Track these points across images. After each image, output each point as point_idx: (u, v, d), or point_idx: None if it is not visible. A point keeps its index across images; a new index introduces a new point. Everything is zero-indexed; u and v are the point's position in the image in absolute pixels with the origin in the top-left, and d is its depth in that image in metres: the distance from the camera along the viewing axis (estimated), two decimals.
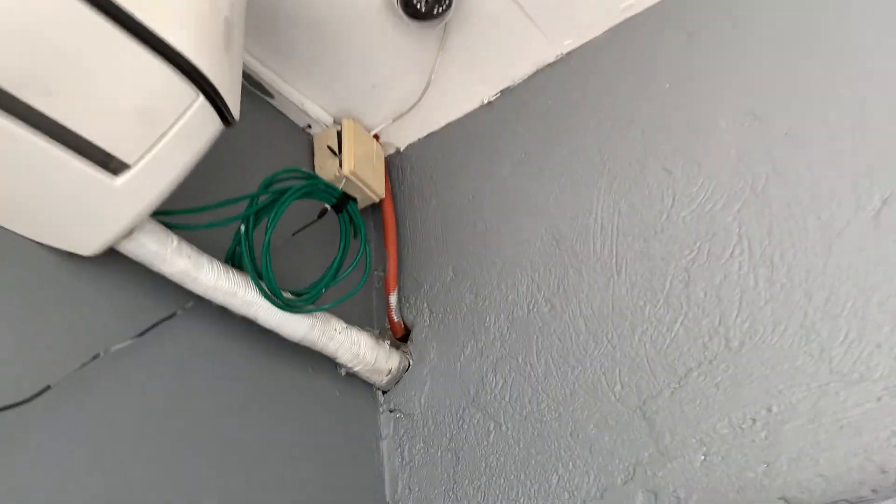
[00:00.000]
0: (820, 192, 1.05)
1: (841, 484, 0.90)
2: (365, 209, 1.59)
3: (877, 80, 1.06)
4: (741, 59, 1.21)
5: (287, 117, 1.55)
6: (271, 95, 1.49)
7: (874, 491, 0.88)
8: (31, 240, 0.91)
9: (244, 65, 1.39)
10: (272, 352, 1.21)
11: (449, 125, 1.64)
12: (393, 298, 1.49)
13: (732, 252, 1.10)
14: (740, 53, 1.21)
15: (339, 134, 1.53)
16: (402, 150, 1.70)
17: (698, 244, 1.14)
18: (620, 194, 1.26)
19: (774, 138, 1.12)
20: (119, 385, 0.93)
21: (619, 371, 1.13)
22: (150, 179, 0.87)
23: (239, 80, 0.98)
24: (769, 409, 1.00)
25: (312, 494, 1.18)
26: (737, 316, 1.06)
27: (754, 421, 1.00)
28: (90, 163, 0.83)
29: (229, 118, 0.90)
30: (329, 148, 1.52)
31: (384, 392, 1.43)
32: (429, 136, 1.67)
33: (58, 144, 0.79)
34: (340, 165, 1.49)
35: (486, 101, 1.59)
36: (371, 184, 1.53)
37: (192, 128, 0.86)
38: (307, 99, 1.54)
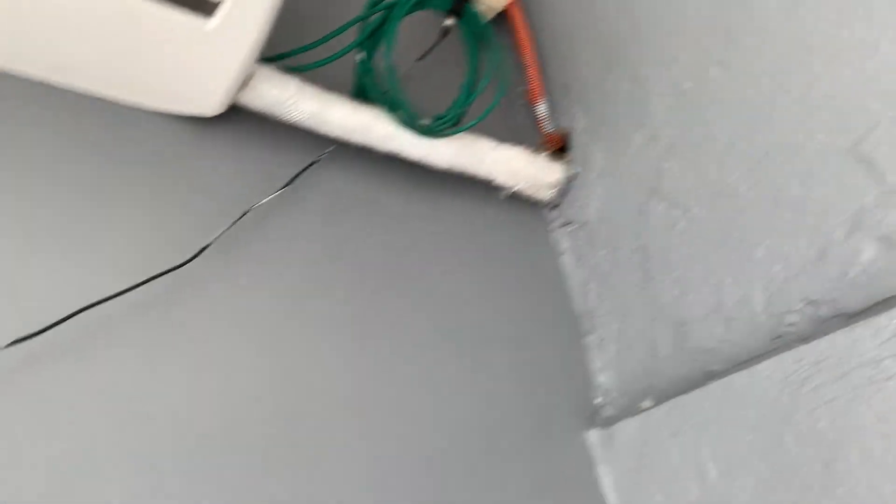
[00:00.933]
0: None
1: None
2: (493, 21, 1.45)
3: None
4: None
5: None
6: None
7: None
8: (156, 112, 0.89)
9: None
10: (424, 186, 1.15)
11: None
12: (542, 108, 1.36)
13: None
14: None
15: None
16: None
17: None
18: None
19: None
20: (272, 239, 0.91)
21: (819, 116, 0.94)
22: (243, 13, 0.80)
23: None
24: None
25: (497, 330, 1.13)
26: None
27: None
28: (178, 7, 0.76)
29: None
30: None
31: (552, 208, 1.34)
32: None
33: None
34: None
35: None
36: None
37: None
38: None
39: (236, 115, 0.92)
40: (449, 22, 1.16)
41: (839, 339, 0.79)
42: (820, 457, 0.80)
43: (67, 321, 0.73)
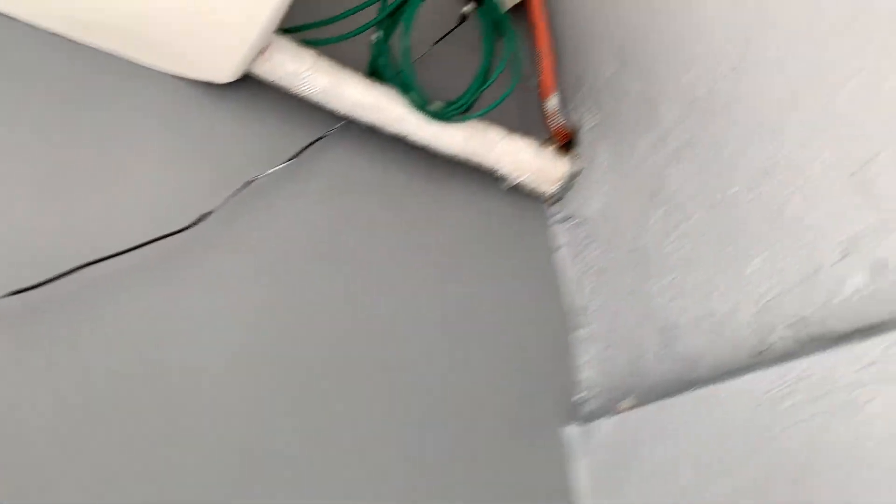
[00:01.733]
0: None
1: None
2: (511, 11, 1.45)
3: None
4: None
5: None
6: None
7: None
8: (170, 75, 0.89)
9: None
10: (428, 170, 1.15)
11: None
12: (552, 102, 1.36)
13: None
14: None
15: None
16: None
17: None
18: None
19: None
20: (275, 209, 0.92)
21: (827, 137, 0.95)
22: None
23: None
24: None
25: (487, 317, 1.14)
26: None
27: None
28: None
29: None
30: None
31: (553, 203, 1.35)
32: None
33: None
34: None
35: None
36: None
37: None
38: None
39: (249, 84, 0.93)
40: (468, 8, 1.17)
41: (821, 361, 0.81)
42: (790, 474, 0.82)
43: (69, 275, 0.74)
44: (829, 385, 0.79)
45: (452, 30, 1.19)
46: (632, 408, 1.09)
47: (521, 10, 1.46)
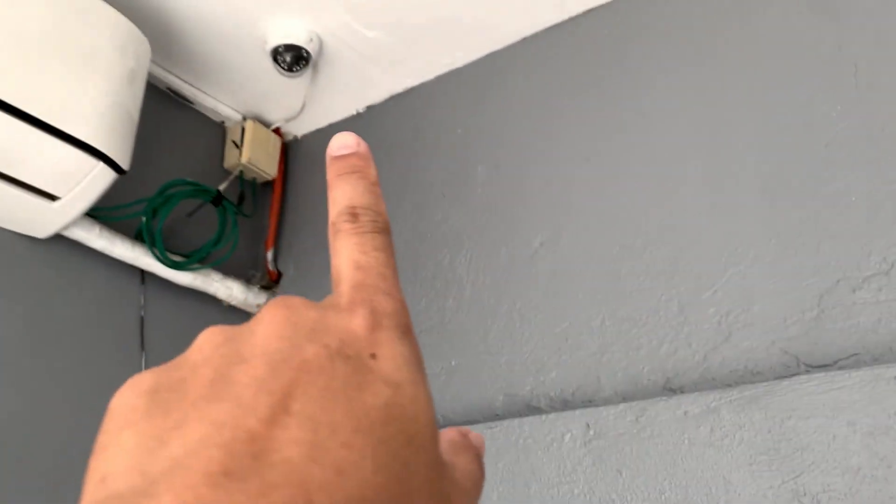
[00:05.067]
0: None
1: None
2: (264, 183, 2.22)
3: None
4: None
5: (206, 116, 2.15)
6: (191, 102, 2.08)
7: None
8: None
9: (169, 82, 1.98)
10: (179, 294, 1.88)
11: (331, 125, 2.23)
12: (269, 254, 2.14)
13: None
14: None
15: (243, 130, 2.14)
16: (299, 137, 2.30)
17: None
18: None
19: None
20: None
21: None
22: (73, 204, 1.51)
23: (136, 115, 1.57)
24: (450, 363, 1.66)
25: None
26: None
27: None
28: (39, 195, 1.46)
29: (121, 169, 1.52)
30: (233, 142, 2.13)
31: None
32: (317, 130, 2.26)
33: (18, 187, 1.43)
34: (240, 155, 2.11)
35: (357, 112, 2.17)
36: (264, 167, 2.15)
37: (96, 178, 1.49)
38: (220, 103, 2.13)
39: (61, 239, 1.62)
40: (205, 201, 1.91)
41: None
42: None
43: None
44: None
45: (192, 213, 1.93)
46: None
47: (270, 187, 2.24)
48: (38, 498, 1.47)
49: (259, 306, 2.06)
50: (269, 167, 2.17)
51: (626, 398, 1.39)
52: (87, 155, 1.44)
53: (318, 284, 2.02)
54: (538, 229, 1.67)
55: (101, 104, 1.46)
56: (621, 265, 1.52)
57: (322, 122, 2.24)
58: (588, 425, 1.39)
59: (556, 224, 1.64)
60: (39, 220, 1.54)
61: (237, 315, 2.05)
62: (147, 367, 1.67)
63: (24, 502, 1.46)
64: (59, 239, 1.63)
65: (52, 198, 1.48)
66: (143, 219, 1.74)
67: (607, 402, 1.41)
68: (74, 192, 1.48)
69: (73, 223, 1.59)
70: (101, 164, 1.47)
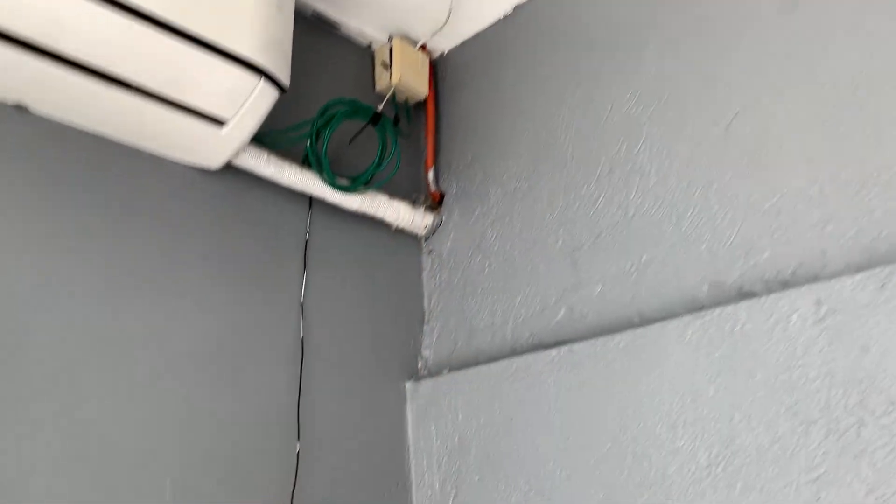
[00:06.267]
0: None
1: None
2: (417, 104, 2.15)
3: None
4: None
5: (352, 40, 2.09)
6: (338, 26, 2.03)
7: None
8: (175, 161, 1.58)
9: (314, 8, 1.94)
10: (344, 219, 1.86)
11: (477, 35, 2.11)
12: (430, 174, 2.07)
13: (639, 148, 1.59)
14: None
15: (391, 50, 2.06)
16: (445, 54, 2.20)
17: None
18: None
19: None
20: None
21: (560, 229, 1.68)
22: (240, 126, 1.49)
23: (289, 40, 1.52)
24: (640, 258, 1.53)
25: (363, 311, 1.86)
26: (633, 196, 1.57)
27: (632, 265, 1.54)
28: (207, 121, 1.46)
29: (283, 86, 1.48)
30: (382, 63, 2.06)
31: (425, 240, 2.06)
32: (463, 43, 2.15)
33: (188, 115, 1.43)
34: (391, 76, 2.04)
35: (505, 15, 2.04)
36: (415, 87, 2.07)
37: (259, 97, 1.46)
38: (365, 23, 2.06)
39: (231, 171, 1.62)
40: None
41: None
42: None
43: None
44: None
45: (357, 134, 1.87)
46: (445, 374, 1.81)
47: (422, 107, 2.16)
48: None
49: (427, 227, 2.01)
50: (420, 86, 2.09)
51: (861, 268, 1.20)
52: (249, 73, 1.41)
53: (481, 201, 1.93)
54: (731, 99, 1.48)
55: (256, 23, 1.42)
56: (840, 119, 1.32)
57: (468, 33, 2.12)
58: (819, 301, 1.22)
59: (753, 89, 1.45)
60: (211, 149, 1.54)
61: (403, 238, 2.00)
62: (307, 287, 1.71)
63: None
64: (228, 170, 1.62)
65: (220, 123, 1.47)
66: (308, 142, 1.71)
67: (838, 275, 1.22)
68: (240, 113, 1.46)
69: (243, 149, 1.58)
70: (263, 82, 1.44)
